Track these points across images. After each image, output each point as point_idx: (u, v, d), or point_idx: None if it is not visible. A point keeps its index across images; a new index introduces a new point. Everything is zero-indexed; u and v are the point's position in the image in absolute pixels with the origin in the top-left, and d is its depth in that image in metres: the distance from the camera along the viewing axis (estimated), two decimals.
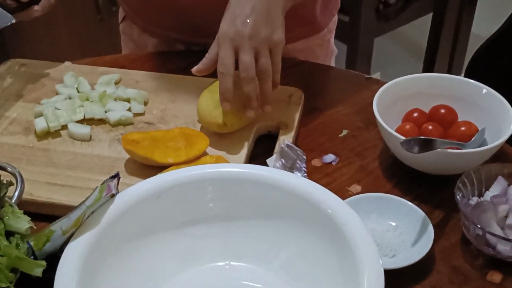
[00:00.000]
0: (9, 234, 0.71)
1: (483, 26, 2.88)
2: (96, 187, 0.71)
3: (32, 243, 0.69)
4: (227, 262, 0.77)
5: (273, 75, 0.91)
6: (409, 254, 0.79)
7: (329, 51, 1.28)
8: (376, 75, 2.65)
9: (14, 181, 0.80)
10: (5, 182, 0.77)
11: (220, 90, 0.89)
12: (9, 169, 0.83)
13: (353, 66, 2.30)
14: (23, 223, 0.71)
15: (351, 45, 2.28)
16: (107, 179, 0.73)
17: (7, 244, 0.69)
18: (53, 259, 0.69)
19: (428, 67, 2.52)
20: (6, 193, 0.76)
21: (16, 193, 0.79)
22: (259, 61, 0.89)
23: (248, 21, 0.88)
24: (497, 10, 3.21)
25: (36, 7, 0.99)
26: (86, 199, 0.71)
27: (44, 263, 0.68)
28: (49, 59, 1.13)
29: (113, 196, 0.73)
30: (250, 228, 0.77)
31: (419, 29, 2.76)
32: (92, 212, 0.72)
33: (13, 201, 0.77)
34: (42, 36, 2.13)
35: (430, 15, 2.49)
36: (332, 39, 1.29)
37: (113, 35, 2.28)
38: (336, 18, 1.28)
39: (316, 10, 1.18)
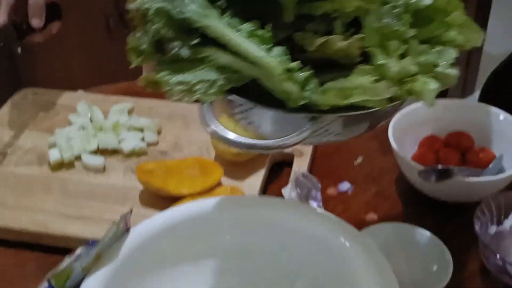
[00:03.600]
0: None
1: (495, 45, 2.87)
2: (114, 223, 0.71)
3: (52, 282, 0.68)
4: None
5: None
6: (428, 284, 0.78)
7: None
8: None
9: None
10: None
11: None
12: None
13: None
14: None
15: None
16: (123, 214, 0.72)
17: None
18: None
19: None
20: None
21: None
22: None
23: None
24: (509, 29, 3.22)
25: (53, 24, 0.98)
26: (104, 235, 0.70)
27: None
28: (62, 84, 1.13)
29: (128, 230, 0.73)
30: (266, 259, 0.76)
31: None
32: (108, 247, 0.71)
33: None
34: (53, 59, 2.14)
35: None
36: None
37: (125, 58, 2.29)
38: None
39: None
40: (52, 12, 0.99)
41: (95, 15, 2.17)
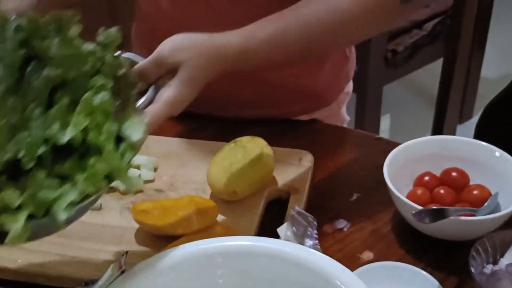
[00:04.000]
0: (119, 140, 0.65)
1: (492, 69, 2.89)
2: (109, 266, 0.71)
3: None
4: None
5: None
6: None
7: (339, 122, 1.25)
8: (386, 122, 2.65)
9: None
10: (135, 82, 0.70)
11: None
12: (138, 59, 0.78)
13: (362, 114, 2.30)
14: (136, 131, 0.64)
15: (360, 94, 2.29)
16: (119, 257, 0.72)
17: (111, 151, 0.63)
18: None
19: (440, 112, 2.51)
20: (134, 95, 0.69)
21: (145, 97, 0.74)
22: None
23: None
24: (505, 53, 3.23)
25: None
26: (99, 278, 0.70)
27: (141, 181, 0.64)
28: None
29: (123, 272, 0.73)
30: None
31: (428, 74, 2.77)
32: None
33: (139, 103, 0.73)
34: None
35: (438, 60, 2.50)
36: (343, 110, 1.27)
37: None
38: (349, 89, 1.26)
39: (319, 86, 1.17)
40: None
41: (93, 38, 2.19)
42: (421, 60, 2.41)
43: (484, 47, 2.58)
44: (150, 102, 0.74)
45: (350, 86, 1.26)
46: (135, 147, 0.64)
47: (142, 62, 0.78)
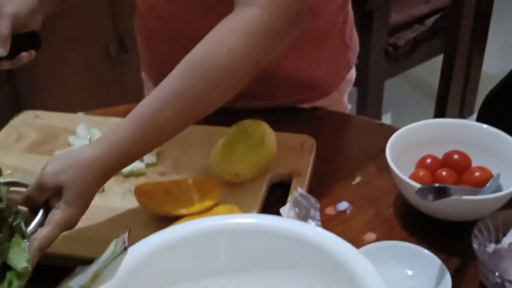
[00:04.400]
0: (8, 268, 0.70)
1: (493, 65, 2.89)
2: (112, 242, 0.71)
3: None
4: None
5: None
6: None
7: (341, 109, 1.24)
8: (387, 116, 2.66)
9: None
10: (21, 212, 0.76)
11: None
12: (27, 183, 0.82)
13: (364, 108, 2.30)
14: (21, 260, 0.70)
15: (361, 88, 2.29)
16: (122, 233, 0.73)
17: None
18: None
19: (440, 108, 2.52)
20: (19, 223, 0.74)
21: (40, 213, 0.78)
22: None
23: None
24: (507, 49, 3.24)
25: (24, 53, 0.99)
26: (102, 253, 0.70)
27: None
28: (61, 107, 1.14)
29: (126, 249, 0.73)
30: (265, 280, 0.76)
31: (429, 70, 2.78)
32: (106, 266, 0.71)
33: (37, 219, 0.77)
34: (54, 84, 2.16)
35: (440, 56, 2.50)
36: (345, 98, 1.26)
37: (125, 83, 2.31)
38: (351, 77, 1.25)
39: (318, 76, 1.17)
40: (30, 41, 1.00)
41: (94, 41, 2.19)
42: (422, 55, 2.41)
43: (485, 43, 2.58)
44: (41, 224, 0.78)
45: (352, 74, 1.25)
46: (22, 275, 0.69)
47: (28, 188, 0.81)
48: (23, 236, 0.74)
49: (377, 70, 2.25)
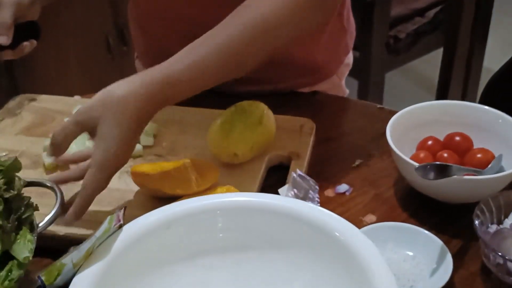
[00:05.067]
0: (11, 257, 0.70)
1: (494, 61, 2.87)
2: (106, 218, 0.70)
3: (43, 278, 0.67)
4: None
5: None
6: (427, 284, 0.77)
7: (340, 93, 1.24)
8: None
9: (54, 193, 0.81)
10: (34, 205, 0.76)
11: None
12: (48, 184, 0.83)
13: (364, 100, 2.29)
14: (23, 251, 0.70)
15: (362, 80, 2.28)
16: (117, 210, 0.72)
17: None
18: None
19: None
20: (30, 215, 0.74)
21: (53, 211, 0.79)
22: None
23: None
24: (508, 45, 3.22)
25: (25, 43, 0.99)
26: (96, 230, 0.69)
27: None
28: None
29: (121, 226, 0.72)
30: (262, 258, 0.74)
31: (430, 64, 2.76)
32: (100, 244, 0.70)
33: (49, 216, 0.78)
34: (53, 75, 2.15)
35: (441, 49, 2.49)
36: (343, 82, 1.26)
37: (124, 74, 2.30)
38: (349, 60, 1.25)
39: (317, 60, 1.16)
40: (30, 31, 0.99)
41: (94, 33, 2.18)
42: (422, 48, 2.40)
43: (486, 37, 2.56)
44: (54, 220, 0.79)
45: (349, 58, 1.25)
46: (23, 265, 0.70)
47: (64, 123, 0.83)
48: (32, 229, 0.74)
49: (378, 62, 2.23)
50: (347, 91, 1.28)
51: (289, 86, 1.16)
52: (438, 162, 0.81)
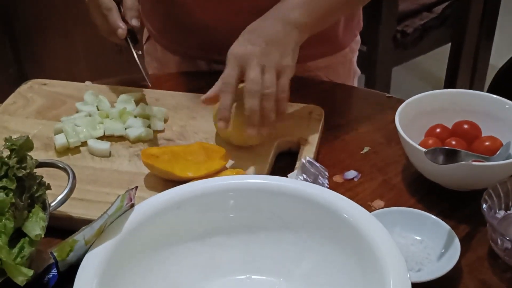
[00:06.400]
0: (23, 235, 0.71)
1: (501, 58, 2.87)
2: (118, 196, 0.71)
3: (55, 254, 0.68)
4: (248, 275, 0.75)
5: (278, 102, 0.88)
6: (435, 268, 0.77)
7: (351, 71, 1.26)
8: None
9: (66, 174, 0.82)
10: (46, 183, 0.77)
11: (219, 108, 0.88)
12: (60, 164, 0.83)
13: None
14: (35, 228, 0.71)
15: (369, 75, 2.28)
16: (128, 189, 0.72)
17: (2, 245, 0.68)
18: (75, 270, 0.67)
19: None
20: (42, 194, 0.75)
21: (66, 190, 0.79)
22: (264, 76, 0.87)
23: (258, 43, 0.88)
24: None
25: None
26: (108, 208, 0.70)
27: (30, 273, 0.67)
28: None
29: (132, 206, 0.73)
30: (271, 239, 0.75)
31: (437, 60, 2.76)
32: (112, 222, 0.71)
33: (61, 196, 0.79)
34: (61, 64, 2.16)
35: (448, 45, 2.49)
36: (355, 59, 1.28)
37: (132, 67, 2.30)
38: (358, 38, 1.27)
39: (339, 29, 1.18)
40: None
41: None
42: (430, 43, 2.40)
43: (493, 35, 2.56)
44: (64, 200, 0.80)
45: (358, 40, 1.28)
46: (34, 242, 0.70)
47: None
48: (44, 208, 0.75)
49: (385, 56, 2.23)
50: (359, 71, 1.29)
51: (306, 54, 1.14)
52: (447, 147, 0.82)
